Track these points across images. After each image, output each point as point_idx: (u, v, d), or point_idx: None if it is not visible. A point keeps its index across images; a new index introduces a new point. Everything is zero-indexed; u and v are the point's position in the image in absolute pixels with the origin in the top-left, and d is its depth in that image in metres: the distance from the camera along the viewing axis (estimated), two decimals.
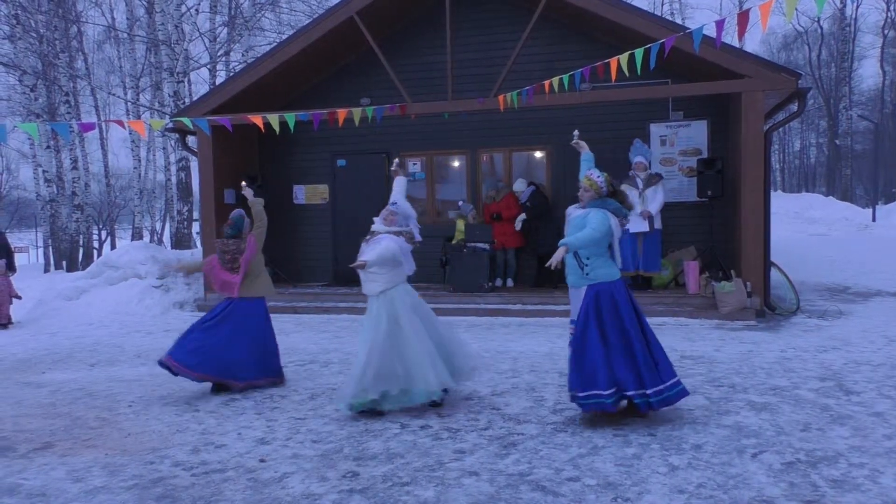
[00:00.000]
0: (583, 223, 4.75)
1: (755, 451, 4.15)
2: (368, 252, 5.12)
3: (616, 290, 4.71)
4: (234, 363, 5.74)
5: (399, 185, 5.67)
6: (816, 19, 41.95)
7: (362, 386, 4.91)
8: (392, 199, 5.52)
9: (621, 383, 4.56)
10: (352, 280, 7.11)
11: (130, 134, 26.11)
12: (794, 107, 9.35)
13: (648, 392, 4.57)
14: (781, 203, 24.49)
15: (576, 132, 5.54)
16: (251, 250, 5.92)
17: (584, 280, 4.77)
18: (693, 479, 3.76)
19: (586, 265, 4.74)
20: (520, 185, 10.53)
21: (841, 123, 39.49)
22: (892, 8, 41.46)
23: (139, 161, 26.39)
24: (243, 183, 6.32)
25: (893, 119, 46.37)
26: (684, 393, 4.74)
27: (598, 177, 4.86)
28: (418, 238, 5.37)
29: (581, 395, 4.59)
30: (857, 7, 38.47)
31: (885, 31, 42.31)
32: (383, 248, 5.07)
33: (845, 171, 39.02)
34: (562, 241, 4.65)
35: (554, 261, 4.59)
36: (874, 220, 27.89)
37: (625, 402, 4.68)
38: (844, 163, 39.22)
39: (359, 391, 4.93)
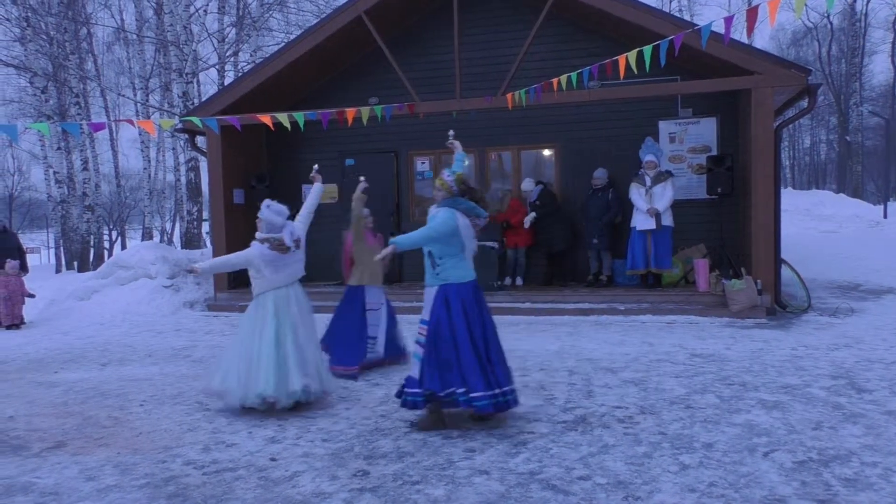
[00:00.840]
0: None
1: (767, 449, 4.13)
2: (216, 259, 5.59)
3: (465, 292, 4.69)
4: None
5: (313, 193, 5.86)
6: (826, 15, 41.67)
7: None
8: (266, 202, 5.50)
9: (470, 384, 4.55)
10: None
11: (140, 135, 26.25)
12: (805, 103, 9.29)
13: (495, 392, 4.57)
14: (792, 200, 24.37)
15: (451, 132, 5.58)
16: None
17: (436, 280, 4.75)
18: (704, 477, 3.75)
19: (438, 265, 4.72)
20: (528, 185, 10.52)
21: (851, 119, 39.24)
22: None
23: (149, 161, 26.51)
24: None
25: None
26: (514, 403, 4.71)
27: (449, 176, 4.79)
28: (288, 243, 5.29)
29: (441, 393, 4.57)
30: (868, 2, 38.17)
31: None
32: (228, 256, 5.52)
33: (856, 167, 38.77)
34: (391, 240, 4.69)
35: (380, 256, 4.66)
36: (885, 216, 27.68)
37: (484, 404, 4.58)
38: (855, 159, 38.95)
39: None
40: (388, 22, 10.53)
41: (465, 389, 4.52)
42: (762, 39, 45.17)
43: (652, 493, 3.57)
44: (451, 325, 4.61)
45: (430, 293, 4.77)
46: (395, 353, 6.62)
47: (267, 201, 5.46)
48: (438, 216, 4.68)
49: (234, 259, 5.41)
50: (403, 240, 4.67)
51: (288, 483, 3.87)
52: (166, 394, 5.91)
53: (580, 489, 3.65)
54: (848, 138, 39.64)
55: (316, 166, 6.21)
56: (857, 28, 38.32)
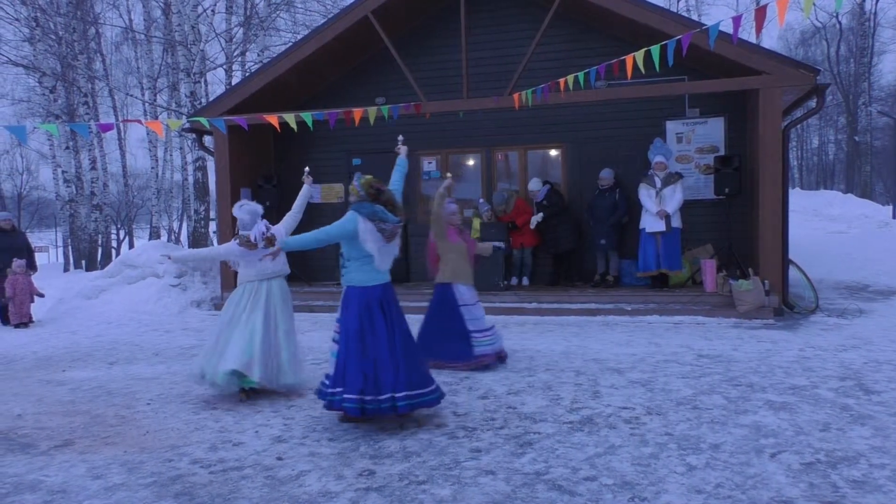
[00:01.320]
0: None
1: (774, 450, 4.11)
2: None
3: (368, 296, 4.76)
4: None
5: (301, 195, 6.15)
6: (835, 14, 41.47)
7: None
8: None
9: (348, 386, 4.67)
10: None
11: (148, 134, 26.33)
12: (813, 103, 9.25)
13: (397, 395, 4.63)
14: (800, 200, 24.27)
15: (400, 137, 5.69)
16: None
17: (343, 281, 4.94)
18: (711, 478, 3.73)
19: (344, 267, 4.86)
20: (535, 185, 10.51)
21: (860, 119, 39.02)
22: None
23: (157, 161, 26.58)
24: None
25: None
26: (404, 409, 4.69)
27: (356, 181, 4.85)
28: (254, 241, 5.57)
29: (348, 396, 4.64)
30: (877, 2, 37.95)
31: None
32: (203, 249, 5.87)
33: (865, 167, 38.55)
34: (279, 241, 4.93)
35: (266, 254, 5.00)
36: (894, 217, 27.51)
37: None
38: (864, 159, 38.73)
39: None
40: (395, 21, 10.53)
41: (341, 389, 4.68)
42: (770, 39, 45.00)
43: (658, 493, 3.56)
44: (346, 327, 4.77)
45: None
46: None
47: (240, 202, 5.92)
48: (339, 221, 4.78)
49: (207, 252, 5.67)
50: (293, 240, 4.96)
51: (294, 482, 3.87)
52: (173, 392, 5.93)
53: (586, 490, 3.64)
54: (856, 138, 39.41)
55: (307, 169, 6.31)
56: (866, 28, 38.09)
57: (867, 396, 5.16)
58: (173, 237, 33.91)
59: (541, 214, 10.27)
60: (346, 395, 4.64)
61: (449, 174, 6.59)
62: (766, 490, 3.57)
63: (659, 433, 4.48)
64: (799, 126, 22.05)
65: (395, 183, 5.26)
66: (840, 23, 41.96)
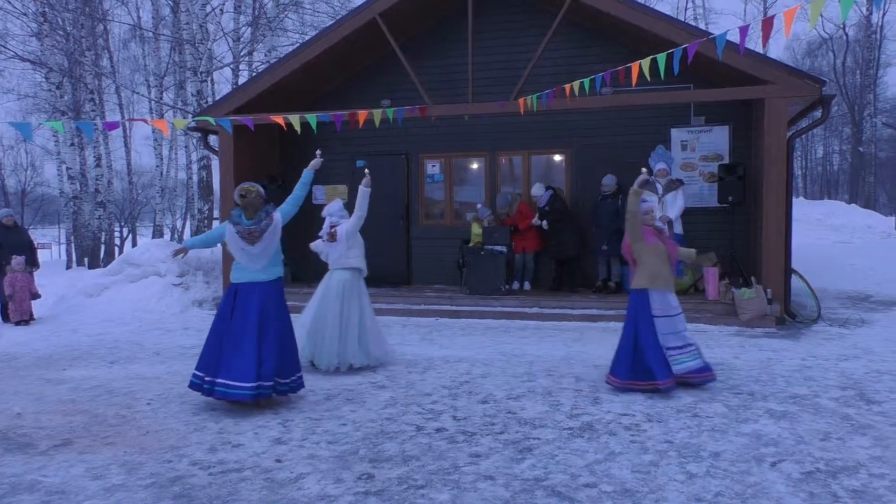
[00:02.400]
0: None
1: (774, 459, 4.11)
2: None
3: (241, 292, 5.33)
4: None
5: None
6: (842, 26, 41.44)
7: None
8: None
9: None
10: (371, 279, 7.14)
11: (153, 132, 26.39)
12: (818, 113, 9.24)
13: (217, 381, 5.19)
14: (803, 210, 24.22)
15: (318, 151, 6.19)
16: None
17: None
18: (711, 487, 3.73)
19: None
20: (537, 190, 10.50)
21: (865, 131, 38.95)
22: None
23: (161, 159, 26.63)
24: None
25: None
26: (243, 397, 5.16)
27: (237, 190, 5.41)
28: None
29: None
30: (884, 14, 37.92)
31: None
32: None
33: (869, 178, 38.49)
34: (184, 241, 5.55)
35: (172, 252, 5.71)
36: None
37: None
38: (868, 170, 38.66)
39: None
40: (402, 24, 10.55)
41: (210, 378, 5.24)
42: (777, 49, 45.02)
43: (658, 501, 3.56)
44: (220, 318, 5.38)
45: None
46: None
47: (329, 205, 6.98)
48: None
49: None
50: (192, 240, 5.92)
51: (293, 485, 3.87)
52: (174, 393, 5.93)
53: (586, 496, 3.64)
54: (861, 149, 39.35)
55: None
56: (873, 40, 38.07)
57: (868, 406, 5.15)
58: (176, 236, 33.96)
59: (544, 221, 10.27)
60: (194, 371, 5.36)
61: (644, 169, 5.84)
62: (766, 499, 3.56)
63: (659, 440, 4.47)
64: (804, 136, 22.07)
65: (295, 192, 5.69)
66: (847, 34, 41.94)
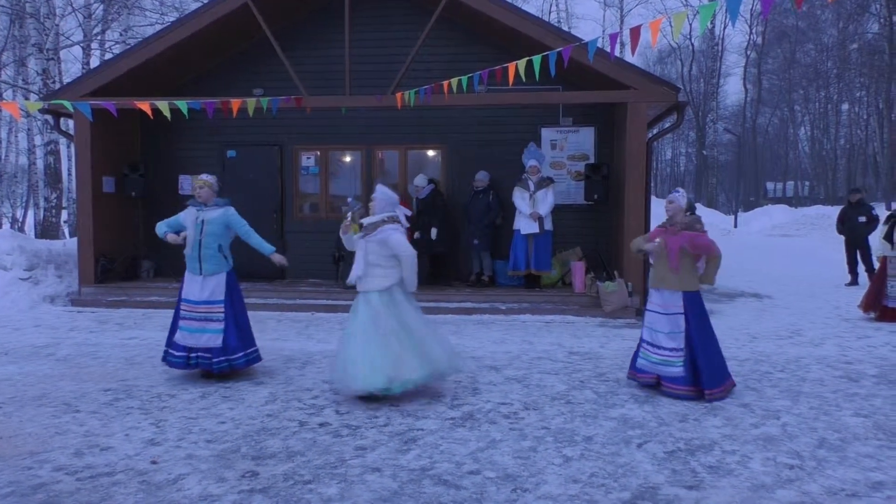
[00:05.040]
0: None
1: (640, 441, 4.42)
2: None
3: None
4: None
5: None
6: (688, 36, 44.70)
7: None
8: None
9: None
10: (244, 275, 6.92)
11: None
12: (674, 118, 9.96)
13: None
14: (655, 208, 25.95)
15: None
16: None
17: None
18: (586, 468, 3.96)
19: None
20: (420, 181, 10.48)
21: (708, 135, 42.31)
22: (754, 31, 44.91)
23: (0, 143, 24.30)
24: None
25: (753, 133, 50.28)
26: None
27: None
28: (405, 224, 5.54)
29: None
30: (725, 28, 41.38)
31: (748, 52, 45.80)
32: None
33: (711, 180, 41.82)
34: None
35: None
36: (736, 226, 30.12)
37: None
38: (710, 172, 42.03)
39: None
40: (276, 12, 10.26)
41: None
42: (628, 55, 47.83)
43: (539, 484, 3.74)
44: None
45: None
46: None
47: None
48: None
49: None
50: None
51: (172, 486, 3.72)
52: (28, 395, 5.49)
53: (471, 483, 3.75)
54: (705, 153, 42.72)
55: (350, 199, 6.21)
56: (716, 51, 41.41)
57: None
58: (17, 226, 31.12)
59: (434, 230, 10.26)
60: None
61: (658, 239, 5.61)
62: (634, 477, 3.84)
63: (536, 427, 4.68)
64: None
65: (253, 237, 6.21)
66: (693, 45, 45.32)
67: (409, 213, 5.62)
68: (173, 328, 5.95)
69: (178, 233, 6.02)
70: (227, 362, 5.81)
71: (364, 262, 5.33)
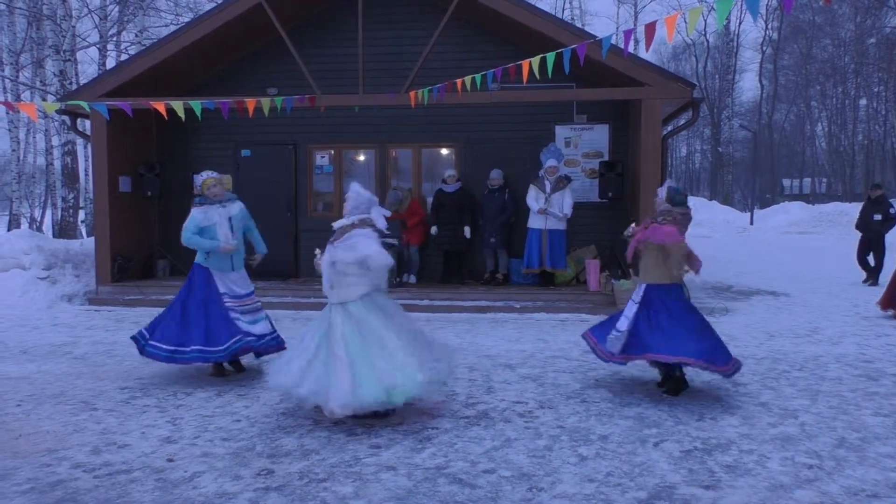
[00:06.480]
0: None
1: (657, 440, 4.39)
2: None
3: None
4: None
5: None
6: (703, 33, 44.41)
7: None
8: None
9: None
10: (258, 273, 6.96)
11: (8, 114, 24.25)
12: (689, 114, 9.89)
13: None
14: None
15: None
16: None
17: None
18: (602, 468, 3.94)
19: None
20: (452, 172, 10.51)
21: (723, 132, 41.98)
22: (769, 27, 44.54)
23: (18, 143, 24.55)
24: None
25: (769, 130, 49.88)
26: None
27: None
28: (383, 225, 4.88)
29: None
30: (740, 24, 41.05)
31: (764, 48, 45.43)
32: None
33: (726, 177, 41.51)
34: None
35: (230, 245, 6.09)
36: (752, 223, 29.89)
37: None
38: (726, 169, 41.70)
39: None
40: (290, 12, 10.29)
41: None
42: (642, 52, 47.57)
43: (554, 483, 3.72)
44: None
45: None
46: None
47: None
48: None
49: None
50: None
51: (188, 484, 3.73)
52: (46, 393, 5.54)
53: (486, 482, 3.74)
54: (720, 149, 42.40)
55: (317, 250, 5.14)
56: (731, 47, 41.05)
57: (735, 388, 5.59)
58: (35, 226, 31.47)
59: (467, 229, 10.31)
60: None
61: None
62: (651, 477, 3.81)
63: (551, 426, 4.66)
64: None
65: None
66: (708, 41, 45.02)
67: (387, 213, 4.98)
68: (165, 322, 5.81)
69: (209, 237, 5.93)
70: (274, 340, 6.08)
71: (331, 270, 4.71)
